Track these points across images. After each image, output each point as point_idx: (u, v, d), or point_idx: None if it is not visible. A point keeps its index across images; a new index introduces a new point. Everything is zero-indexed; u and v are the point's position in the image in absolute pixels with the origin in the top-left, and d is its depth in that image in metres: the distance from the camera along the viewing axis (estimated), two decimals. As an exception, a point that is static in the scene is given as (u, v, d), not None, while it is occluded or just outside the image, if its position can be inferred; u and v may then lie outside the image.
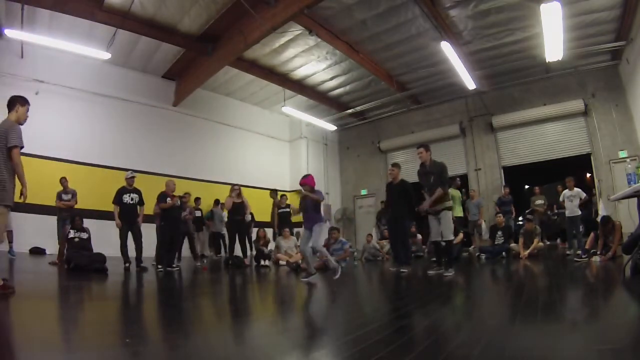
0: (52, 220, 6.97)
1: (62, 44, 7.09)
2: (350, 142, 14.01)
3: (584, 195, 6.97)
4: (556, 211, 9.26)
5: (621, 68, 9.02)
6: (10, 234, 6.30)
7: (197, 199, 9.37)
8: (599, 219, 7.58)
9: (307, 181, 4.90)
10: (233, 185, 7.56)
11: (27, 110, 3.49)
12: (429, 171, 5.16)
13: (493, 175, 10.80)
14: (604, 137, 9.25)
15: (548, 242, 8.95)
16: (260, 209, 9.77)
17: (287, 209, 9.13)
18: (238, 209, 7.23)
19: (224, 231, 8.66)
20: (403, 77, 10.40)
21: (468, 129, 11.38)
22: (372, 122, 13.13)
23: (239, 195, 7.35)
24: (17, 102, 3.43)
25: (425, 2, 7.03)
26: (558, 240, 8.98)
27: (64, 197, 6.97)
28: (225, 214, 8.31)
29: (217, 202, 9.28)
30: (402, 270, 5.48)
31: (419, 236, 9.04)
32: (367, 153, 13.48)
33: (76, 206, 7.08)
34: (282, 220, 8.68)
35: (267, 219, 10.15)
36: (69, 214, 6.79)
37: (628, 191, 4.29)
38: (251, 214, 7.57)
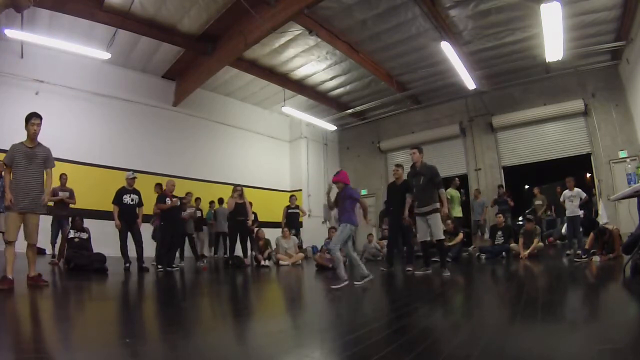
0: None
1: (62, 44, 7.09)
2: (350, 142, 14.01)
3: (584, 195, 6.96)
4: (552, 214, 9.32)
5: (621, 68, 9.02)
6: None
7: (197, 199, 9.36)
8: (599, 219, 7.59)
9: (341, 178, 4.35)
10: (235, 185, 7.56)
11: (33, 125, 3.90)
12: (419, 172, 5.27)
13: (493, 175, 10.80)
14: (604, 137, 9.25)
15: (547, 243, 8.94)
16: (261, 208, 9.78)
17: (297, 210, 9.19)
18: (240, 209, 7.24)
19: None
20: (403, 77, 10.40)
21: (468, 129, 11.37)
22: (372, 122, 13.12)
23: (241, 196, 7.36)
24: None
25: (425, 2, 7.03)
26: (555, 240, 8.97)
27: (61, 194, 6.92)
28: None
29: (221, 201, 9.26)
30: (407, 269, 5.57)
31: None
32: (367, 153, 13.48)
33: (76, 206, 7.05)
34: (290, 220, 8.78)
35: (268, 218, 10.17)
36: (66, 214, 6.74)
37: (628, 191, 4.30)
38: (254, 213, 7.58)
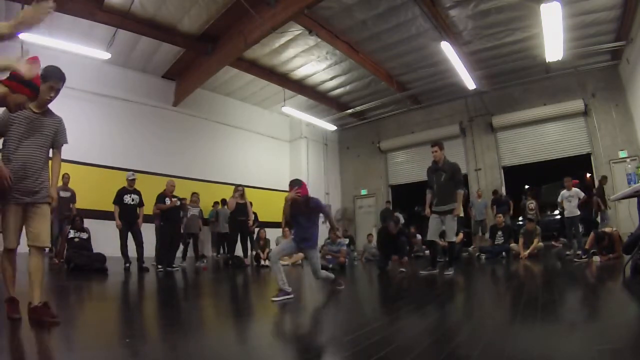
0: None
1: (62, 44, 7.08)
2: (350, 142, 14.02)
3: (582, 195, 6.96)
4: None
5: (621, 68, 9.02)
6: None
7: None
8: (598, 219, 7.58)
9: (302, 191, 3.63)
10: (237, 185, 7.56)
11: (51, 90, 2.37)
12: (441, 169, 5.17)
13: (493, 176, 10.81)
14: (604, 137, 9.26)
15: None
16: (261, 208, 9.77)
17: None
18: (241, 209, 7.24)
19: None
20: (403, 77, 10.40)
21: (468, 129, 11.39)
22: (372, 122, 13.13)
23: (242, 196, 7.35)
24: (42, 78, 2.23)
25: (425, 2, 7.04)
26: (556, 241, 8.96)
27: (62, 194, 6.90)
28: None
29: (224, 202, 9.26)
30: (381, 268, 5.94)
31: (419, 236, 9.04)
32: (367, 153, 13.49)
33: (76, 206, 7.05)
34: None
35: (268, 218, 10.15)
36: (68, 214, 6.72)
37: (628, 191, 4.30)
38: (254, 214, 7.58)
